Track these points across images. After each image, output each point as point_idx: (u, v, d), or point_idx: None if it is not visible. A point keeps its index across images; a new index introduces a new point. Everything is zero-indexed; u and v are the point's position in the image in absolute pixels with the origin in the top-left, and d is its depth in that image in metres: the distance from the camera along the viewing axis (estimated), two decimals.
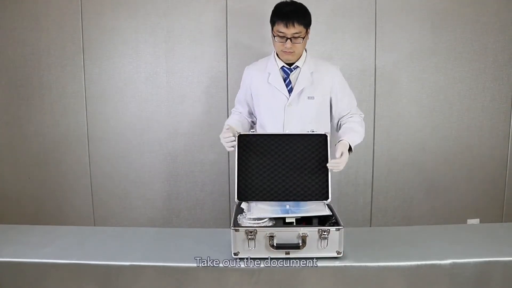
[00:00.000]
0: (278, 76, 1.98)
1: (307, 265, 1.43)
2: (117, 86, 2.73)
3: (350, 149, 1.87)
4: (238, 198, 1.75)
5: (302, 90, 1.96)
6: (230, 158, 2.74)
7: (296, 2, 1.93)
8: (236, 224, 1.50)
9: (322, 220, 1.60)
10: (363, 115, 2.05)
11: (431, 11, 2.64)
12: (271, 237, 1.44)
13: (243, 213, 1.59)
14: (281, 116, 1.97)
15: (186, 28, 2.67)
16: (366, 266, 1.43)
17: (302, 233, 1.45)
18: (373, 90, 2.71)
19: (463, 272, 1.43)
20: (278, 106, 1.98)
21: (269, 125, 2.01)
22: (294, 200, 1.75)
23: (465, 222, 2.81)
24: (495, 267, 1.44)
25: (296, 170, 1.78)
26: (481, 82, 2.71)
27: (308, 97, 1.96)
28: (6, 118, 2.79)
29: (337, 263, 1.44)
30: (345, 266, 1.43)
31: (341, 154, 1.77)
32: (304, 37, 1.87)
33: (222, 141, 1.83)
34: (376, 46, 2.67)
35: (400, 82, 2.71)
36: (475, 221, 2.82)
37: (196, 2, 2.65)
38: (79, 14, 2.67)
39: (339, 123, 2.04)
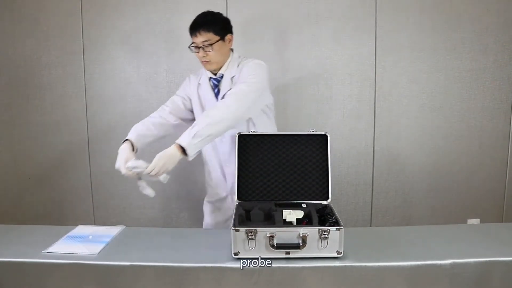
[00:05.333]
0: (207, 87, 1.98)
1: (307, 265, 1.43)
2: (117, 86, 2.73)
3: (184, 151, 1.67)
4: (238, 198, 1.75)
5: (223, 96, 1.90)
6: None
7: (209, 11, 1.93)
8: (236, 224, 1.50)
9: (322, 220, 1.60)
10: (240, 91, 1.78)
11: (431, 11, 2.64)
12: (271, 237, 1.44)
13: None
14: None
15: (186, 28, 2.66)
16: (366, 266, 1.43)
17: (302, 233, 1.45)
18: (373, 90, 2.71)
19: (463, 272, 1.43)
20: None
21: None
22: (294, 200, 1.75)
23: (465, 222, 2.81)
24: (495, 267, 1.44)
25: (296, 170, 1.78)
26: (481, 82, 2.71)
27: None
28: (6, 118, 2.79)
29: (337, 263, 1.44)
30: (345, 266, 1.43)
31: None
32: (214, 43, 1.85)
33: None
34: (376, 46, 2.67)
35: (400, 82, 2.71)
36: (475, 221, 2.81)
37: (196, 2, 2.64)
38: (79, 14, 2.67)
39: None
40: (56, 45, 2.70)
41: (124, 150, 1.87)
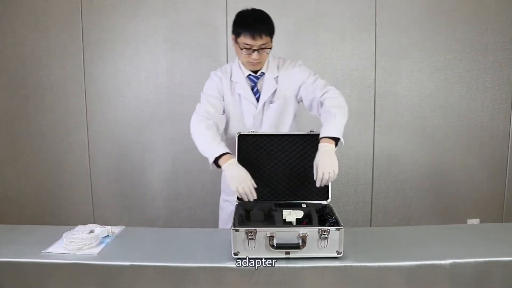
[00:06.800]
0: (245, 86, 1.92)
1: (307, 265, 1.43)
2: (117, 86, 2.73)
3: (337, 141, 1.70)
4: (238, 198, 1.75)
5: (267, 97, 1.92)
6: None
7: (258, 10, 1.86)
8: (236, 224, 1.50)
9: (322, 220, 1.60)
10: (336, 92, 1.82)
11: (431, 11, 2.64)
12: (271, 237, 1.44)
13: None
14: (251, 123, 1.94)
15: (186, 28, 2.67)
16: (366, 266, 1.43)
17: (302, 233, 1.45)
18: (373, 90, 2.71)
19: (463, 272, 1.43)
20: (248, 115, 1.94)
21: (236, 130, 1.92)
22: (294, 200, 1.75)
23: (465, 222, 2.82)
24: (495, 267, 1.44)
25: (296, 170, 1.78)
26: (481, 82, 2.71)
27: (270, 102, 1.93)
28: (6, 118, 2.79)
29: (337, 263, 1.44)
30: (345, 266, 1.43)
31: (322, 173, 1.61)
32: (271, 47, 1.83)
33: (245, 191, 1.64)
34: (376, 46, 2.67)
35: (400, 82, 2.71)
36: (475, 221, 2.82)
37: (196, 2, 2.65)
38: (79, 14, 2.67)
39: (318, 102, 1.85)
40: (56, 45, 2.70)
41: (239, 171, 1.70)
